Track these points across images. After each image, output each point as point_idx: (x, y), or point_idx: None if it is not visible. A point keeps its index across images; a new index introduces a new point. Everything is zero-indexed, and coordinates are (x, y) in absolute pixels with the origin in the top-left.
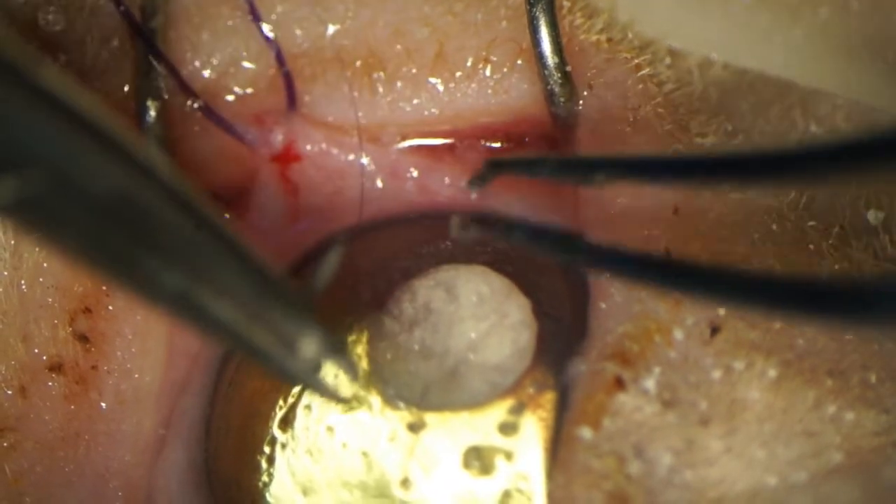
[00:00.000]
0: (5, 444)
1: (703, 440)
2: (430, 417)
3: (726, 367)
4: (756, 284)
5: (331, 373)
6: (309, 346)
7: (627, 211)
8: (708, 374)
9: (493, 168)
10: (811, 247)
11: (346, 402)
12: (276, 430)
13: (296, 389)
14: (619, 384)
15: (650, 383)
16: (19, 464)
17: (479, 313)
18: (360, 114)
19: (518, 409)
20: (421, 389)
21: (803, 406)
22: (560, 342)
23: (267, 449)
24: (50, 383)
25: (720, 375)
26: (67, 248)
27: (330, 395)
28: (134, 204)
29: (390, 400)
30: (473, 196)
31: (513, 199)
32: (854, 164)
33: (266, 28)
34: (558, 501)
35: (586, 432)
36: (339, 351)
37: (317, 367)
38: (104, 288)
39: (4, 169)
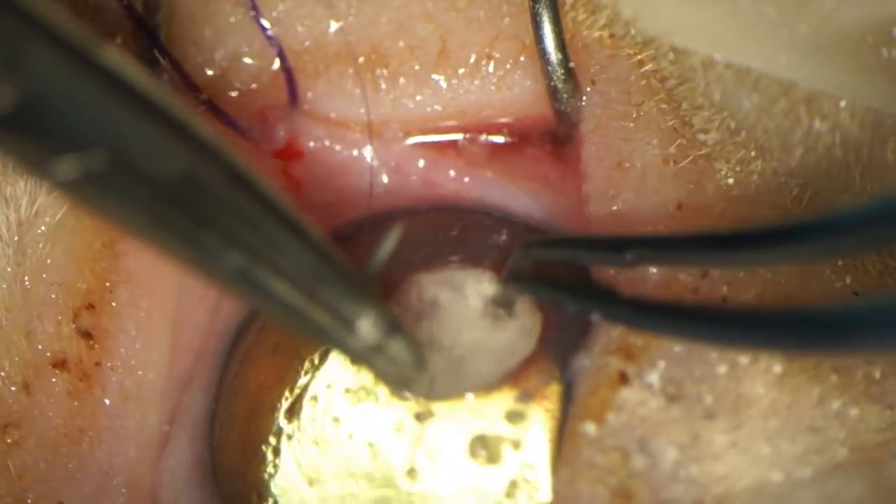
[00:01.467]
0: (9, 441)
1: (707, 435)
2: (436, 407)
3: (731, 361)
4: (810, 326)
5: (391, 355)
6: (367, 326)
7: (631, 207)
8: (713, 369)
9: (527, 253)
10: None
11: (405, 387)
12: (282, 422)
13: (302, 381)
14: (624, 379)
15: (654, 378)
16: (23, 460)
17: (485, 309)
18: (361, 110)
19: (524, 398)
20: (428, 380)
21: (808, 401)
22: (564, 337)
23: (273, 440)
24: (53, 380)
25: (725, 370)
26: (128, 226)
27: (388, 377)
28: (196, 183)
29: (397, 392)
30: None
31: (518, 194)
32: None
33: (268, 25)
34: (563, 497)
35: (590, 427)
36: (397, 333)
37: (376, 349)
38: (107, 284)
39: (68, 147)
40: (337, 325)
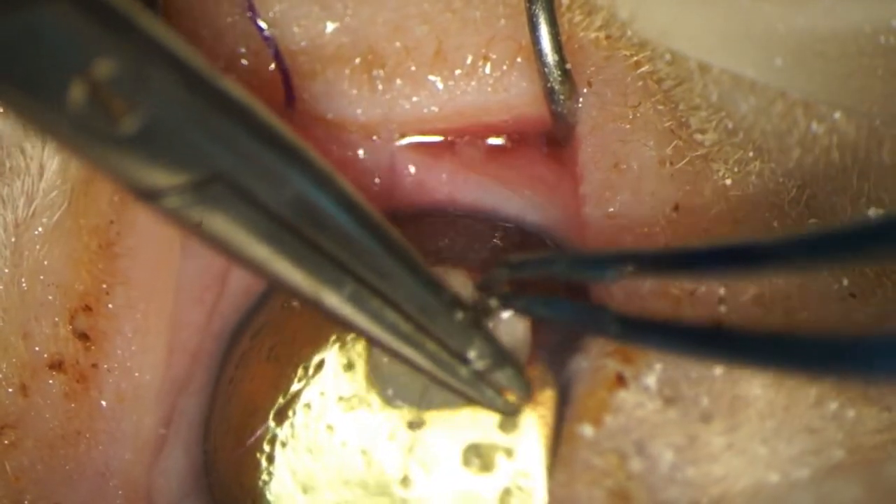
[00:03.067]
0: (6, 442)
1: (704, 437)
2: (429, 415)
3: None
4: (811, 348)
5: (494, 385)
6: (477, 356)
7: (627, 208)
8: (709, 371)
9: (506, 269)
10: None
11: (514, 415)
12: (276, 428)
13: (295, 388)
14: (621, 381)
15: (651, 380)
16: (20, 462)
17: None
18: (358, 111)
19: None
20: (421, 389)
21: (805, 403)
22: (561, 339)
23: (267, 447)
24: (50, 381)
25: (722, 372)
26: (241, 253)
27: (496, 406)
28: (310, 210)
29: (390, 400)
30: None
31: (513, 196)
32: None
33: (265, 25)
34: (560, 499)
35: (587, 430)
36: (505, 363)
37: (482, 379)
38: (104, 286)
39: (185, 171)
40: (446, 355)
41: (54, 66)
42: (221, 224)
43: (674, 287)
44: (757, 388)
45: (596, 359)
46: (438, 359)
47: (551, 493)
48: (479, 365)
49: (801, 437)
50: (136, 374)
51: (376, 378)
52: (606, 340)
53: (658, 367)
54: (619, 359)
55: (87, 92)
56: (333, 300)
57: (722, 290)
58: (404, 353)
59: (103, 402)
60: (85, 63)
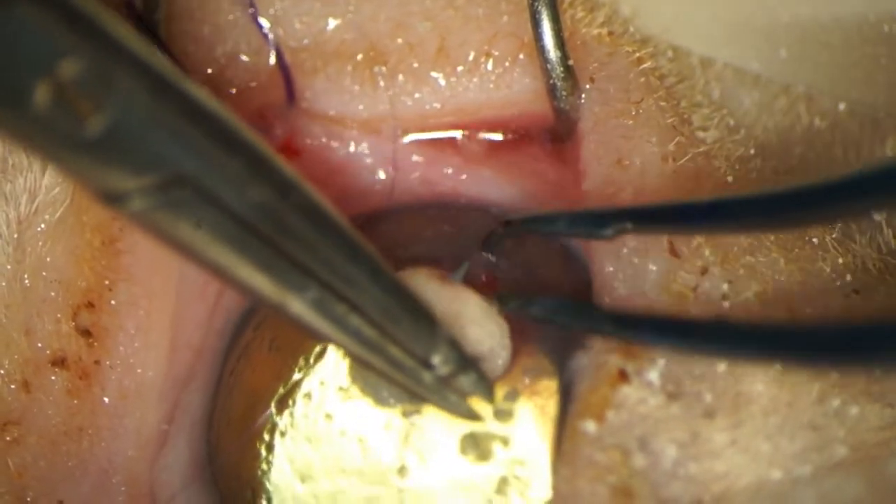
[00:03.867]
0: (8, 439)
1: (707, 433)
2: (425, 405)
3: None
4: (808, 338)
5: (458, 391)
6: (440, 362)
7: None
8: (712, 367)
9: (509, 229)
10: (814, 241)
11: (476, 419)
12: (276, 418)
13: (296, 377)
14: (623, 377)
15: (654, 375)
16: (22, 458)
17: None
18: (360, 107)
19: (512, 396)
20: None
21: (808, 399)
22: (563, 335)
23: (267, 437)
24: (53, 378)
25: (725, 368)
26: (205, 257)
27: (460, 411)
28: (274, 215)
29: (384, 402)
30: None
31: (515, 192)
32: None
33: (266, 23)
34: (563, 495)
35: (590, 426)
36: (468, 368)
37: (445, 384)
38: (106, 282)
39: (148, 174)
40: (410, 360)
41: (19, 67)
42: (185, 227)
43: (676, 283)
44: (760, 384)
45: (598, 355)
46: (402, 364)
47: (555, 488)
48: (443, 370)
49: (803, 433)
50: (139, 371)
51: (366, 386)
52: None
53: (661, 362)
54: (622, 354)
55: (52, 93)
56: (297, 305)
57: (725, 286)
58: (368, 359)
59: (106, 399)
60: (51, 64)
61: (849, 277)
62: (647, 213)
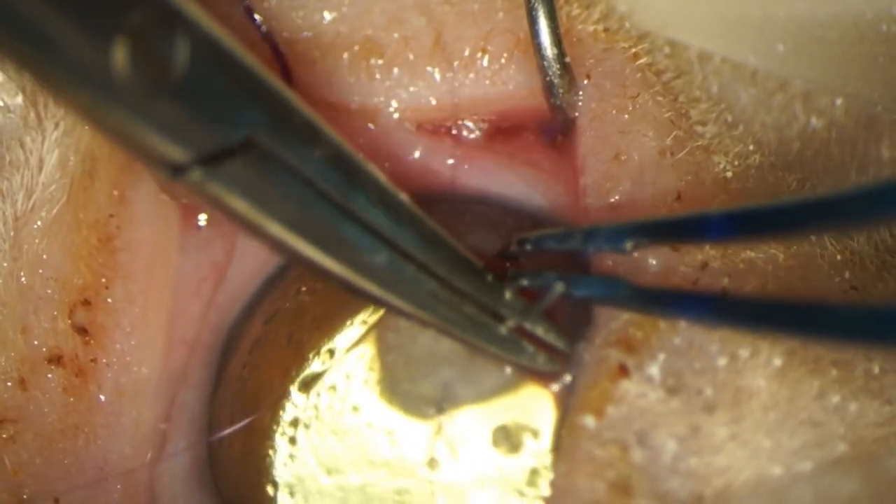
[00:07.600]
0: (5, 436)
1: (708, 427)
2: (459, 397)
3: (732, 354)
4: (825, 316)
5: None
6: (510, 313)
7: (629, 198)
8: (713, 361)
9: (522, 247)
10: (813, 237)
11: (555, 373)
12: (298, 411)
13: (319, 370)
14: (624, 371)
15: (654, 370)
16: (19, 455)
17: None
18: (356, 98)
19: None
20: (441, 388)
21: (808, 395)
22: (566, 329)
23: (290, 430)
24: (49, 375)
25: (725, 363)
26: (267, 225)
27: (538, 363)
28: (342, 178)
29: (415, 406)
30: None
31: (515, 182)
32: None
33: (259, 18)
34: (561, 491)
35: (589, 420)
36: (543, 319)
37: (521, 335)
38: (103, 280)
39: (219, 132)
40: (483, 316)
41: (96, 24)
42: (251, 190)
43: (676, 277)
44: (760, 379)
45: (599, 349)
46: (476, 320)
47: (553, 485)
48: (517, 306)
49: (803, 429)
50: (135, 369)
51: (395, 391)
52: (608, 332)
53: (661, 356)
54: (623, 348)
55: (129, 48)
56: (368, 269)
57: (725, 280)
58: (442, 320)
59: (102, 397)
60: (122, 20)
61: (847, 274)
62: (663, 226)
